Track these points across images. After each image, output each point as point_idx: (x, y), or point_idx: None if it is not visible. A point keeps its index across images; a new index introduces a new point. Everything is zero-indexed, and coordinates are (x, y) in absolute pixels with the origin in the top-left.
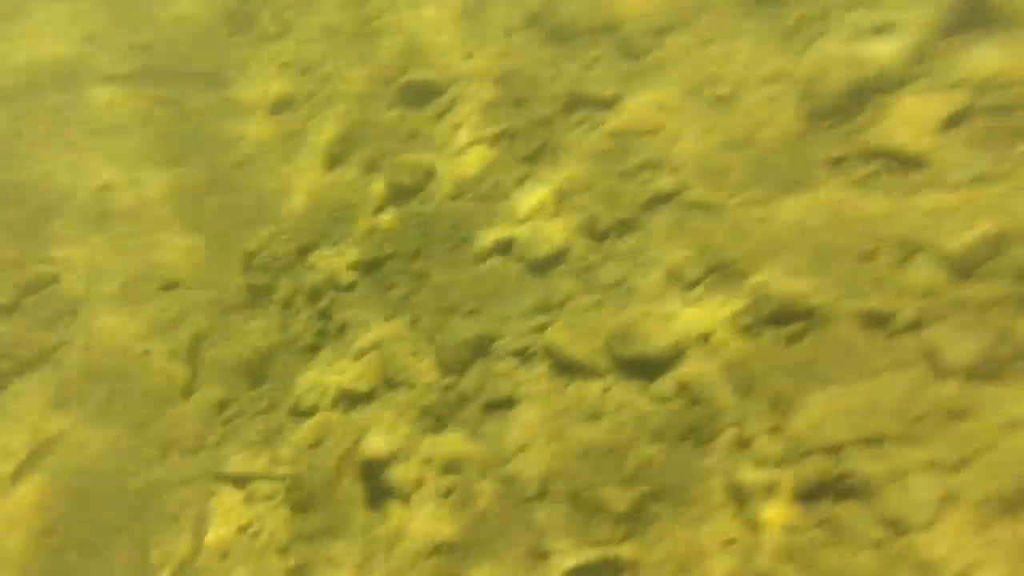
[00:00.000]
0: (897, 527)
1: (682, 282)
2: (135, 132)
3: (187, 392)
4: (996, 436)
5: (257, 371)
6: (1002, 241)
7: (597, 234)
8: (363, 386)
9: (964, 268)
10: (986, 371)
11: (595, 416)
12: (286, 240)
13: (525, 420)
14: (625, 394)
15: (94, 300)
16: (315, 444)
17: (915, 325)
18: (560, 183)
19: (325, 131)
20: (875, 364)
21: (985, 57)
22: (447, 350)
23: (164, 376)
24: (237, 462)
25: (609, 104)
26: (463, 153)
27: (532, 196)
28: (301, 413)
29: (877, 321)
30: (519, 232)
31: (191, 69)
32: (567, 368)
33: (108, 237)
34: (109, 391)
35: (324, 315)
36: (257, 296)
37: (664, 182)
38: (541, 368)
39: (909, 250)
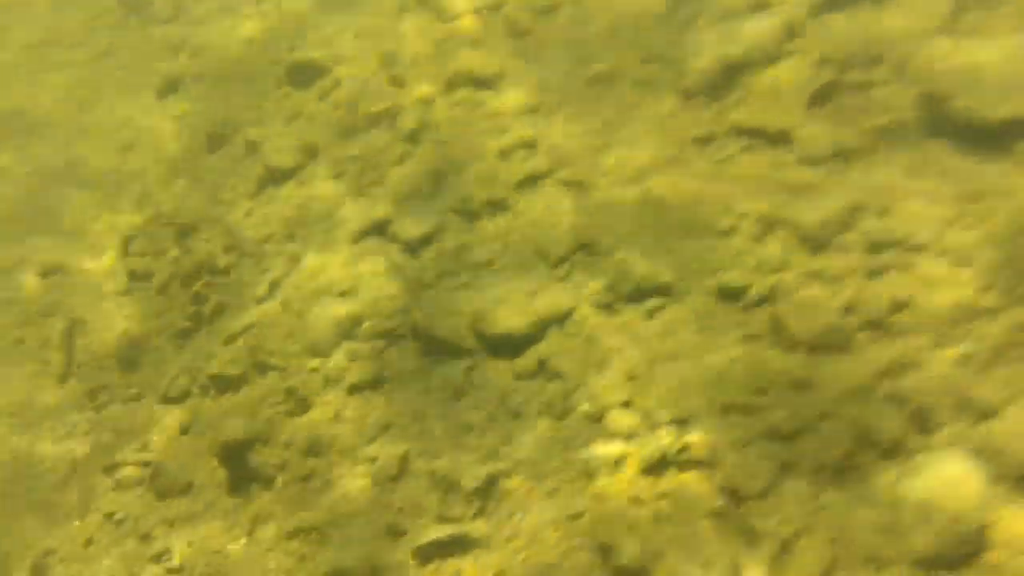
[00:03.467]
0: (736, 496)
1: (548, 260)
2: None
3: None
4: (834, 405)
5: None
6: (856, 214)
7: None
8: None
9: (818, 242)
10: (831, 343)
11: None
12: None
13: (389, 400)
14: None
15: None
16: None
17: (766, 299)
18: None
19: None
20: (726, 338)
21: (850, 33)
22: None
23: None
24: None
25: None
26: None
27: None
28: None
29: (731, 295)
30: None
31: None
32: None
33: None
34: None
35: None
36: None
37: (538, 162)
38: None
39: (767, 225)
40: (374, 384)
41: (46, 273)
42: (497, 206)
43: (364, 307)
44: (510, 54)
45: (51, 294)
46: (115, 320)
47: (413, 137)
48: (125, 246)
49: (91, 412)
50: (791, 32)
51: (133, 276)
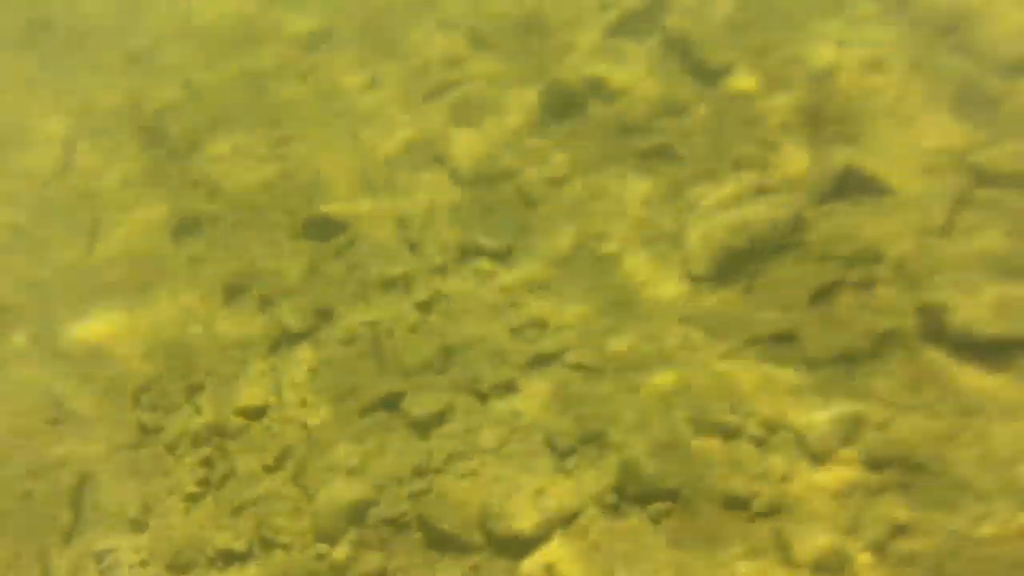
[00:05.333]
0: None
1: (557, 450)
2: None
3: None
4: None
5: None
6: (858, 427)
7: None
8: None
9: (821, 454)
10: (831, 566)
11: None
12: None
13: None
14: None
15: None
16: None
17: (770, 512)
18: None
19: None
20: (731, 552)
21: (852, 227)
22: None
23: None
24: None
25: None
26: None
27: None
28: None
29: (736, 504)
30: None
31: None
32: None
33: None
34: None
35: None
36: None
37: (547, 343)
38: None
39: (771, 430)
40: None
41: (54, 421)
42: (506, 387)
43: (373, 491)
44: (521, 227)
45: (62, 444)
46: (125, 477)
47: (425, 307)
48: (137, 397)
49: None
50: (795, 223)
51: (143, 430)
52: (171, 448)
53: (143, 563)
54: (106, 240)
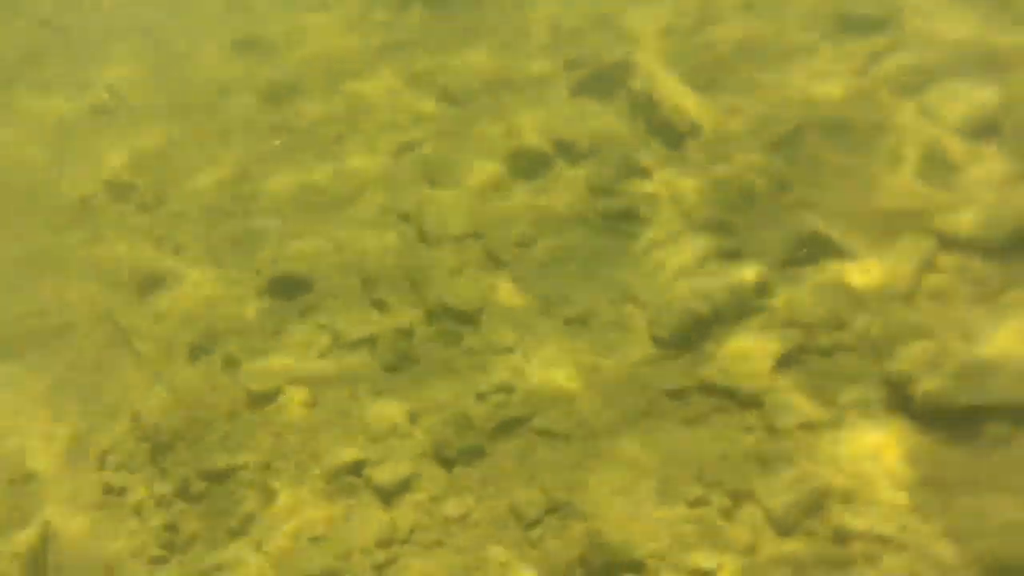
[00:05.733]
0: None
1: (522, 521)
2: None
3: None
4: None
5: None
6: (823, 499)
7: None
8: None
9: (785, 526)
10: None
11: None
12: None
13: None
14: None
15: None
16: None
17: None
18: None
19: None
20: None
21: (815, 292)
22: None
23: None
24: None
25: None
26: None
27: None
28: None
29: None
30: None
31: None
32: None
33: None
34: None
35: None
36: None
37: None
38: None
39: (736, 500)
40: None
41: (13, 481)
42: (473, 453)
43: (339, 562)
44: (487, 293)
45: (21, 499)
46: (88, 537)
47: (393, 367)
48: (102, 458)
49: None
50: (760, 288)
51: (108, 491)
52: (135, 510)
53: None
54: None
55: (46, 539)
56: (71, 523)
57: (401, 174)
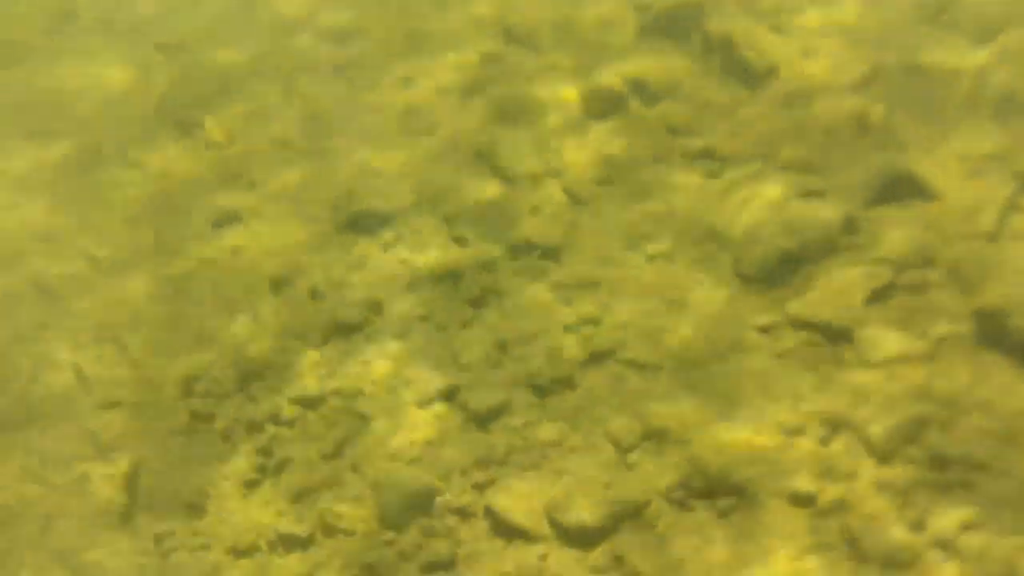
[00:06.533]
0: None
1: (619, 446)
2: None
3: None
4: None
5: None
6: (921, 427)
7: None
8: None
9: (884, 452)
10: (902, 560)
11: None
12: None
13: None
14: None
15: None
16: None
17: (837, 508)
18: None
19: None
20: (800, 544)
21: (903, 230)
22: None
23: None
24: None
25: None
26: None
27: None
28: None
29: (802, 501)
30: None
31: None
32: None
33: None
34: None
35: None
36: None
37: (602, 340)
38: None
39: (833, 428)
40: (447, 565)
41: (100, 407)
42: (564, 383)
43: (436, 480)
44: (568, 230)
45: (109, 425)
46: (178, 461)
47: (477, 302)
48: (188, 385)
49: (157, 558)
50: (847, 224)
51: (195, 417)
52: (225, 435)
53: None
54: None
55: (137, 463)
56: (160, 448)
57: (472, 112)
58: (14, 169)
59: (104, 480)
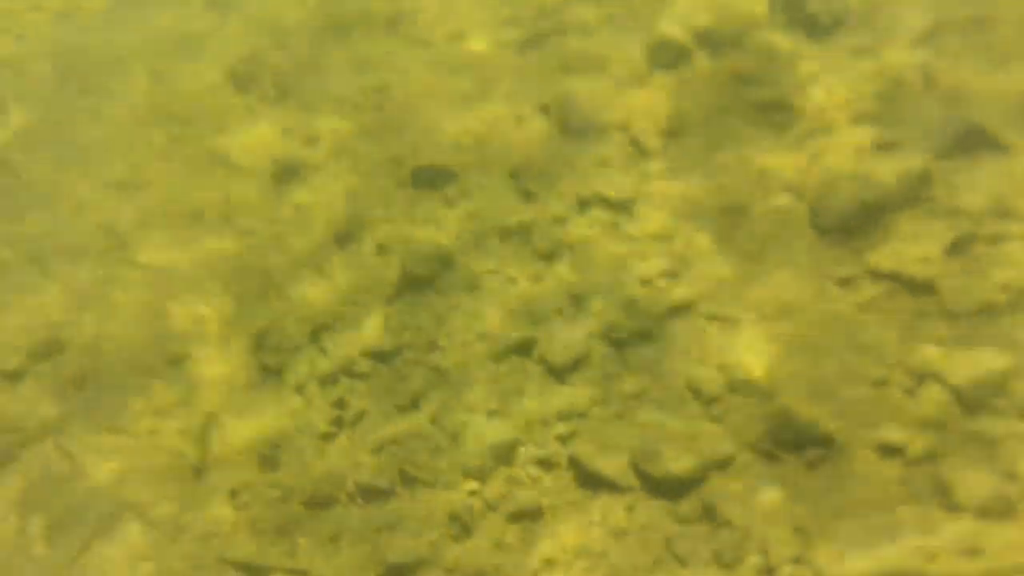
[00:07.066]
0: None
1: (701, 398)
2: None
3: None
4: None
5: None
6: (1008, 377)
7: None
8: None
9: (972, 403)
10: (996, 510)
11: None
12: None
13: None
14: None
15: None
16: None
17: (927, 459)
18: None
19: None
20: (891, 496)
21: (978, 181)
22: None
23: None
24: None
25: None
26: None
27: None
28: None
29: (892, 451)
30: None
31: None
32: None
33: None
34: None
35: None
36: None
37: (681, 292)
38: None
39: (919, 379)
40: (533, 515)
41: (170, 362)
42: (643, 335)
43: (518, 432)
44: (641, 175)
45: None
46: (251, 414)
47: (548, 256)
48: (259, 338)
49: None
50: (922, 177)
51: (266, 371)
52: (299, 389)
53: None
54: None
55: (208, 416)
56: (231, 401)
57: (530, 65)
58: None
59: (177, 434)
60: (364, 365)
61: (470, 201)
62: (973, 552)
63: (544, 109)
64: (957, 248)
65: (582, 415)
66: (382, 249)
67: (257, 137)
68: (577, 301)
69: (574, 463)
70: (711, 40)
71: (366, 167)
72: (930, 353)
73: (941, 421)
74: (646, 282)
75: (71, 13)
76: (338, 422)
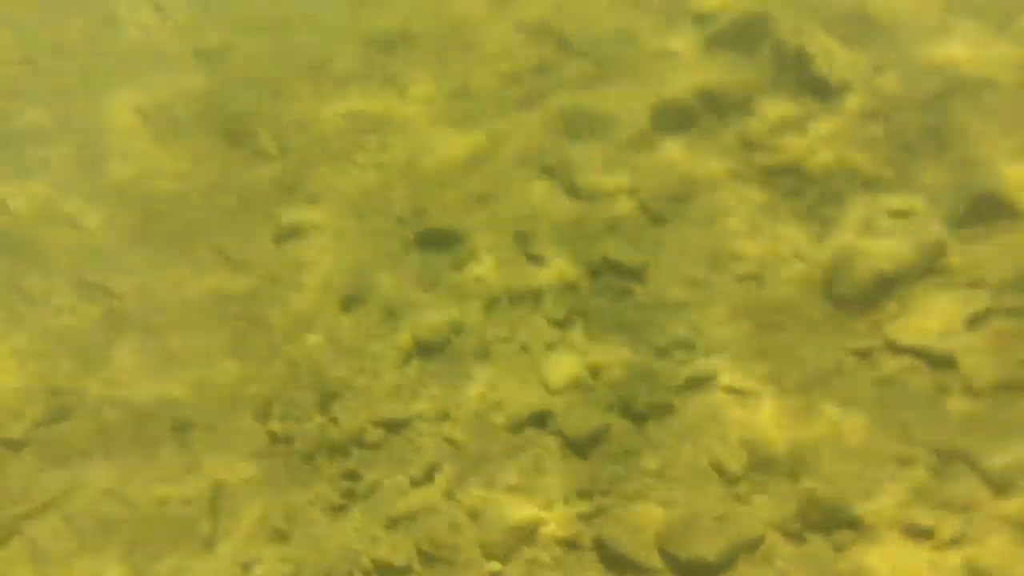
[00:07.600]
0: None
1: (725, 476)
2: None
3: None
4: None
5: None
6: None
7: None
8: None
9: (1001, 484)
10: None
11: None
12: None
13: None
14: None
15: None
16: None
17: (957, 541)
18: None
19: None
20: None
21: (993, 251)
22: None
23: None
24: None
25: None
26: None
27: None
28: None
29: (920, 534)
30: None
31: None
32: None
33: None
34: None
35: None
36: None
37: (698, 365)
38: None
39: (946, 459)
40: None
41: (175, 428)
42: (663, 408)
43: (541, 511)
44: (651, 244)
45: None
46: (262, 484)
47: (562, 322)
48: (264, 407)
49: None
50: (938, 247)
51: (274, 439)
52: (308, 458)
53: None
54: None
55: (216, 486)
56: (239, 471)
57: (534, 126)
58: None
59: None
60: (376, 435)
61: (476, 265)
62: None
63: (548, 171)
64: (976, 322)
65: (604, 493)
66: (388, 314)
67: None
68: (594, 372)
69: (598, 544)
70: (717, 103)
71: (368, 225)
72: (952, 431)
73: (968, 503)
74: (662, 352)
75: None
76: (350, 494)
